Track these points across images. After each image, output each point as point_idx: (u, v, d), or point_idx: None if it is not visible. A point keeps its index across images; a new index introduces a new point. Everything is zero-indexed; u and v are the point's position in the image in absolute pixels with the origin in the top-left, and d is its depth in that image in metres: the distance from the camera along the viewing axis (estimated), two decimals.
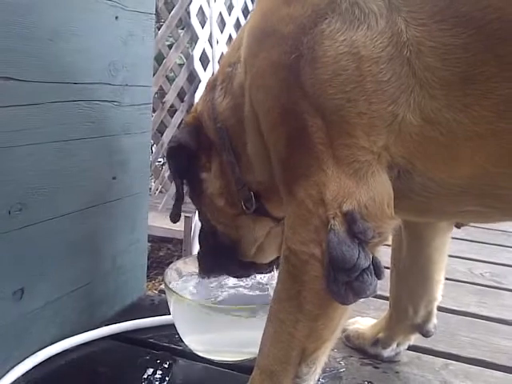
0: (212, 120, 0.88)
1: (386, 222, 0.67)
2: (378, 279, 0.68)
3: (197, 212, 1.02)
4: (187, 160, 0.92)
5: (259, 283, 1.14)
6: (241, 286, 1.09)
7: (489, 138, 0.63)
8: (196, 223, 1.52)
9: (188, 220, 1.53)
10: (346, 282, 0.66)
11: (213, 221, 0.97)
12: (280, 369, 0.73)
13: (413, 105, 0.63)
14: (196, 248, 1.56)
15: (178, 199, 0.97)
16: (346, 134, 0.65)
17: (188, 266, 1.17)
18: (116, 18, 1.07)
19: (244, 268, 1.00)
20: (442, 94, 0.62)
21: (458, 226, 0.97)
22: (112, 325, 1.09)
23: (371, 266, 0.66)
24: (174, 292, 0.95)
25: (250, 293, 1.07)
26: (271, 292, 1.10)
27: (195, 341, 1.00)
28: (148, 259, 2.57)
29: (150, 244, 2.51)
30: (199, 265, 1.03)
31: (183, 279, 1.13)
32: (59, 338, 1.00)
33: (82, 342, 1.03)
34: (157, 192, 2.30)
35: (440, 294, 1.03)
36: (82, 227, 1.05)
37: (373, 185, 0.66)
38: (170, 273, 1.10)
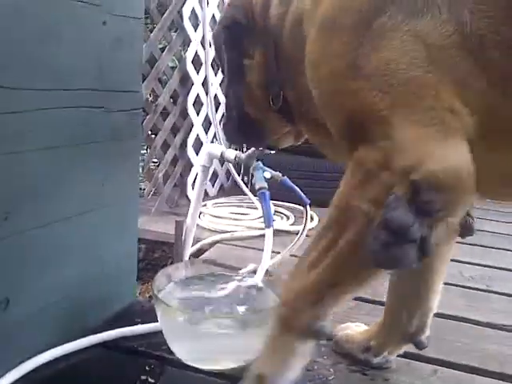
0: (263, 13, 0.92)
1: (457, 196, 0.65)
2: (424, 255, 0.66)
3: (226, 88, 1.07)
4: (241, 35, 0.97)
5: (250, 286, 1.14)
6: (230, 295, 1.08)
7: None
8: (187, 228, 1.52)
9: (179, 224, 1.51)
10: (386, 243, 0.65)
11: (246, 104, 1.02)
12: (300, 304, 0.76)
13: (479, 91, 0.64)
14: (187, 253, 1.55)
15: (237, 79, 1.01)
16: (418, 97, 0.65)
17: (179, 271, 1.17)
18: (104, 23, 1.06)
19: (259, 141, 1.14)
20: (505, 86, 0.63)
21: (462, 236, 0.95)
22: (100, 333, 1.08)
23: (418, 240, 0.64)
24: (162, 301, 0.95)
25: (238, 302, 1.06)
26: (260, 301, 1.11)
27: (183, 349, 0.99)
28: (142, 261, 2.55)
29: (144, 246, 2.50)
30: (224, 133, 1.15)
31: (173, 285, 1.12)
32: (47, 347, 0.99)
33: (70, 351, 1.02)
34: (150, 195, 2.28)
35: (436, 304, 1.02)
36: (69, 234, 1.04)
37: (448, 155, 0.64)
38: (160, 279, 1.09)
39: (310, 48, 0.78)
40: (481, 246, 2.06)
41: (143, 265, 2.53)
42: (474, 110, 0.65)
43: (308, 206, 1.54)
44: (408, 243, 0.64)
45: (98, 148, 1.10)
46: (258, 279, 1.17)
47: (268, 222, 1.38)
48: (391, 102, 0.66)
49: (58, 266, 1.02)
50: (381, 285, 1.47)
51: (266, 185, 1.42)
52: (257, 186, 1.41)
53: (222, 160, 1.54)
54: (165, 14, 2.16)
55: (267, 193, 1.41)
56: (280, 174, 1.48)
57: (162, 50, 2.23)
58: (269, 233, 1.36)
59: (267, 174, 1.44)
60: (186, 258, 1.55)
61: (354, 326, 1.19)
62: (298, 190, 1.53)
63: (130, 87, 1.17)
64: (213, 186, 2.67)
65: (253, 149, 1.45)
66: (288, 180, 1.50)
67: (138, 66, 1.22)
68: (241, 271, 1.23)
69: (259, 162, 1.45)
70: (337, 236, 0.72)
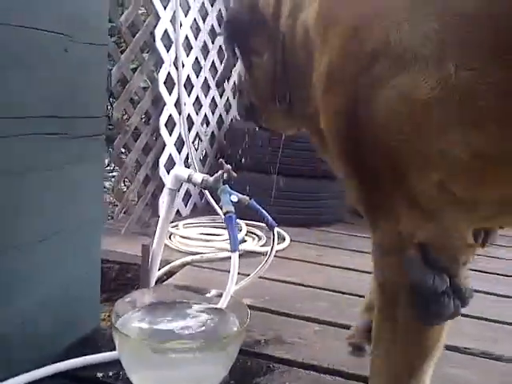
0: (275, 18, 0.95)
1: (457, 252, 0.73)
2: (462, 303, 0.74)
3: None
4: (242, 33, 1.04)
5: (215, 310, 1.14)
6: (192, 323, 1.08)
7: None
8: (153, 252, 1.51)
9: (145, 248, 1.50)
10: (425, 304, 0.72)
11: (252, 95, 1.11)
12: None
13: (465, 141, 0.66)
14: (154, 278, 1.54)
15: (227, 65, 1.13)
16: (408, 173, 0.71)
17: (143, 297, 1.16)
18: (65, 50, 1.06)
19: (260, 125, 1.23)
20: (495, 130, 0.65)
21: (483, 246, 0.95)
22: (60, 362, 1.06)
23: (449, 290, 0.72)
24: (118, 330, 0.94)
25: (199, 330, 1.05)
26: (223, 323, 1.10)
27: (142, 379, 0.98)
28: (114, 281, 2.50)
29: (117, 266, 2.46)
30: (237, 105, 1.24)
31: (134, 312, 1.11)
32: (5, 376, 0.97)
33: (28, 381, 1.00)
34: (120, 215, 2.26)
35: None
36: (29, 260, 1.03)
37: (440, 219, 0.71)
38: (122, 305, 1.09)
39: (322, 103, 0.80)
40: None
41: (115, 285, 2.49)
42: (470, 155, 0.67)
43: (275, 229, 1.55)
44: (441, 296, 0.72)
45: (59, 174, 1.09)
46: (221, 305, 1.17)
47: (234, 247, 1.38)
48: (391, 176, 0.73)
49: (15, 293, 1.01)
50: (347, 308, 1.49)
51: (232, 208, 1.42)
52: (223, 210, 1.42)
53: (190, 183, 1.54)
54: (136, 35, 2.17)
55: (234, 217, 1.41)
56: (247, 198, 1.48)
57: (134, 70, 2.23)
58: (234, 257, 1.36)
59: (234, 198, 1.45)
60: (153, 282, 1.53)
61: None
62: (265, 213, 1.53)
63: (92, 113, 1.17)
64: (186, 205, 2.66)
65: (220, 172, 1.46)
66: (255, 203, 1.51)
67: (102, 91, 1.22)
68: (207, 295, 1.23)
69: (226, 186, 1.46)
70: (391, 315, 0.78)
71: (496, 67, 0.63)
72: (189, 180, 1.52)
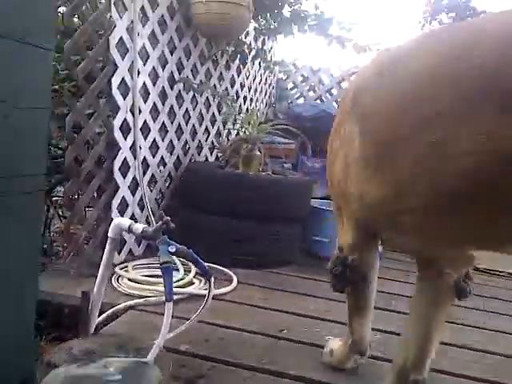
0: None
1: (351, 254, 1.33)
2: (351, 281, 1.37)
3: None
4: None
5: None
6: (117, 375, 1.14)
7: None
8: (93, 299, 1.56)
9: (85, 295, 1.55)
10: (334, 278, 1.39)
11: None
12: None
13: (371, 184, 1.09)
14: (93, 324, 1.58)
15: None
16: (339, 202, 1.33)
17: (77, 347, 1.21)
18: (5, 116, 1.13)
19: None
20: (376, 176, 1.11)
21: (458, 298, 1.26)
22: None
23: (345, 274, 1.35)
24: None
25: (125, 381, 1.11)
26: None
27: None
28: (68, 317, 2.51)
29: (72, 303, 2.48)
30: None
31: (68, 363, 1.16)
32: None
33: None
34: (69, 257, 2.30)
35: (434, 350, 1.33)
36: None
37: (349, 233, 1.30)
38: (55, 355, 1.14)
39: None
40: (382, 309, 2.10)
41: (68, 322, 2.50)
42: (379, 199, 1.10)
43: (212, 278, 1.63)
44: (341, 277, 1.37)
45: None
46: (150, 356, 1.23)
47: (169, 296, 1.45)
48: (335, 205, 1.37)
49: None
50: (280, 354, 1.56)
51: (170, 259, 1.50)
52: (161, 260, 1.49)
53: (131, 233, 1.61)
54: (93, 84, 2.25)
55: (171, 267, 1.49)
56: (185, 248, 1.56)
57: (90, 115, 2.30)
58: (169, 306, 1.43)
59: (172, 248, 1.53)
60: (92, 328, 1.58)
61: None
62: (202, 262, 1.61)
63: (32, 171, 1.24)
64: (139, 245, 2.70)
65: (159, 223, 1.54)
66: (193, 253, 1.59)
67: (43, 149, 1.29)
68: (140, 344, 1.29)
69: (165, 236, 1.54)
70: None
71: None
72: (130, 230, 1.59)
